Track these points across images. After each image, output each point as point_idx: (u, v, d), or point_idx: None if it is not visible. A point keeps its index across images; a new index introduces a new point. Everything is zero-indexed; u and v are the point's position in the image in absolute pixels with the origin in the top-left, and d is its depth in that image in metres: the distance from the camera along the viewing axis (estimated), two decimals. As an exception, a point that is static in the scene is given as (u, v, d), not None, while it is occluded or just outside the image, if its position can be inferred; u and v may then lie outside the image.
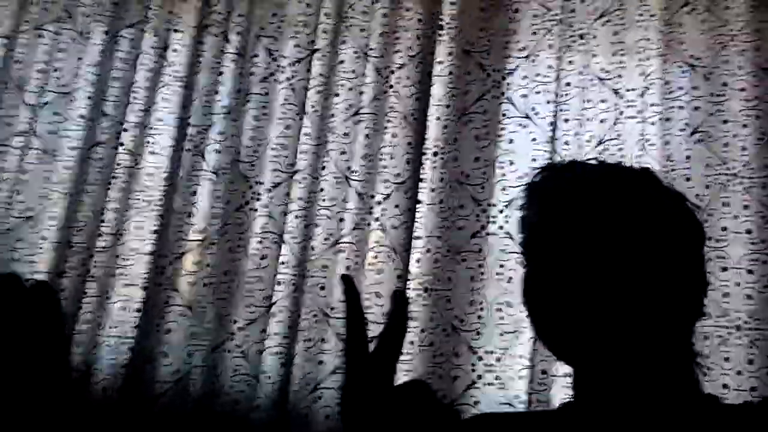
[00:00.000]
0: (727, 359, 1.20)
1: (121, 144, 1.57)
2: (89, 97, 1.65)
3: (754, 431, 0.54)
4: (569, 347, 0.59)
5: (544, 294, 0.60)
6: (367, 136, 1.48)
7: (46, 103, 1.68)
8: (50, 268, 1.53)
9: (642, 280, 0.57)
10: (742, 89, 1.33)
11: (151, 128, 1.57)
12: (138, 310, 1.47)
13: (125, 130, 1.58)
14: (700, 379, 0.60)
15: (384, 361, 0.56)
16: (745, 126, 1.31)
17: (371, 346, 0.57)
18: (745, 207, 1.27)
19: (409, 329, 0.61)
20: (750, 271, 1.24)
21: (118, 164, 1.56)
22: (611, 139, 1.38)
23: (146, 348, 1.45)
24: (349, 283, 0.57)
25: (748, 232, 1.26)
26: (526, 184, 0.68)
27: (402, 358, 1.32)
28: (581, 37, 1.44)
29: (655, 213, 0.60)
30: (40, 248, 1.57)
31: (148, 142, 1.57)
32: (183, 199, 1.52)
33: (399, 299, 0.57)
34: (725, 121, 1.32)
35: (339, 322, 1.38)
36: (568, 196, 0.61)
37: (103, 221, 1.53)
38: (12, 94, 1.70)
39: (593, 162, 0.68)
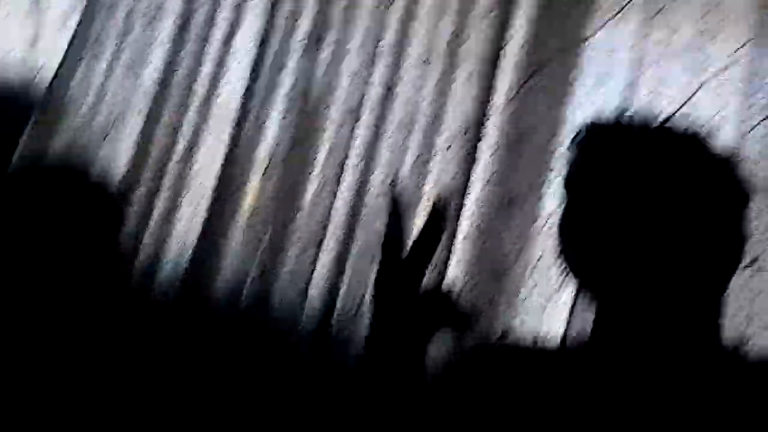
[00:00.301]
0: None
1: (201, 67, 1.64)
2: (175, 21, 1.72)
3: None
4: (595, 273, 0.61)
5: (578, 225, 0.62)
6: (436, 84, 1.50)
7: (134, 24, 1.77)
8: (124, 181, 1.63)
9: (679, 228, 0.59)
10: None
11: (231, 53, 1.64)
12: (200, 227, 1.55)
13: (207, 53, 1.65)
14: (723, 329, 0.62)
15: (416, 260, 0.59)
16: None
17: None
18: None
19: (443, 237, 0.64)
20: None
21: (196, 88, 1.64)
22: (687, 114, 1.35)
23: (205, 264, 1.54)
24: (395, 198, 0.60)
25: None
26: (576, 134, 0.70)
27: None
28: (666, 6, 1.40)
29: (697, 166, 0.63)
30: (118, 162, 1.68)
31: (228, 69, 1.64)
32: (254, 126, 1.58)
33: (438, 206, 0.60)
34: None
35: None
36: (616, 142, 0.64)
37: (177, 140, 1.62)
38: (102, 12, 1.79)
39: (641, 119, 0.69)
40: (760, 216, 1.08)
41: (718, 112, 1.33)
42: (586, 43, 1.44)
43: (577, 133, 0.70)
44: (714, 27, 1.38)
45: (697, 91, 1.35)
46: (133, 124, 1.68)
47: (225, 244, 1.54)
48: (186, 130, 1.62)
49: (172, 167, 1.61)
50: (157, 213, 1.59)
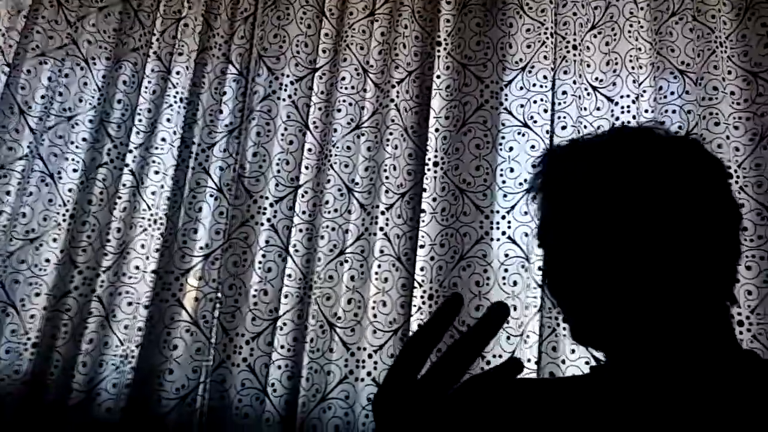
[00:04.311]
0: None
1: (126, 165, 1.59)
2: (91, 121, 1.68)
3: None
4: (602, 336, 0.57)
5: (566, 282, 0.59)
6: (368, 149, 1.51)
7: (49, 128, 1.71)
8: (54, 289, 1.54)
9: (664, 250, 0.55)
10: (732, 93, 1.37)
11: (156, 148, 1.60)
12: (141, 329, 1.47)
13: (129, 151, 1.60)
14: (737, 339, 0.59)
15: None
16: (736, 128, 1.35)
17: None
18: (741, 205, 1.29)
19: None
20: (749, 268, 1.26)
21: (123, 184, 1.58)
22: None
23: (151, 366, 1.44)
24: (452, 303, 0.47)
25: (745, 229, 1.28)
26: (533, 173, 0.67)
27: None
28: (574, 48, 1.49)
29: (662, 172, 0.58)
30: (44, 269, 1.58)
31: (153, 162, 1.59)
32: (188, 216, 1.53)
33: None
34: (717, 124, 1.36)
35: (345, 332, 1.38)
36: (575, 177, 0.60)
37: (108, 241, 1.55)
38: (15, 119, 1.72)
39: (591, 136, 0.65)
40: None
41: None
42: (506, 91, 1.50)
43: (532, 177, 0.66)
44: (620, 58, 1.47)
45: (614, 123, 1.43)
46: (58, 230, 1.60)
47: (171, 339, 1.45)
48: (116, 227, 1.55)
49: (105, 268, 1.52)
50: (93, 320, 1.49)
